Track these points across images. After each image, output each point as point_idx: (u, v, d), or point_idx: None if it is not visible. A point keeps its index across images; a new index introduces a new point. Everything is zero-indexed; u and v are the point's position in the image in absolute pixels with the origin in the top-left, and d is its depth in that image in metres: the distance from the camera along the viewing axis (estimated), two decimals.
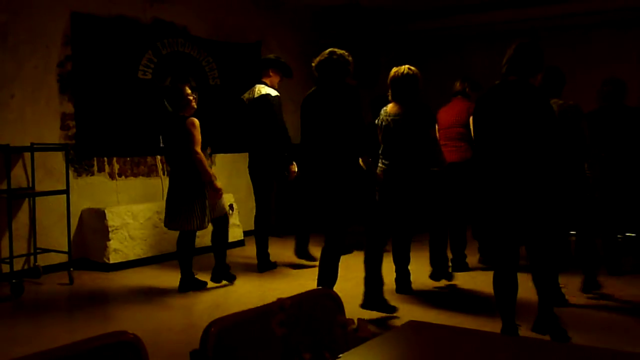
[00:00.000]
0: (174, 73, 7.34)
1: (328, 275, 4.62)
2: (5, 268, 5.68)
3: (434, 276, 5.57)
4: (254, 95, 6.23)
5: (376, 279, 4.71)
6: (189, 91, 5.40)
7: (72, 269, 5.87)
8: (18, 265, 5.92)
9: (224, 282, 5.68)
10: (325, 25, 8.98)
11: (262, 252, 6.31)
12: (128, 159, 7.00)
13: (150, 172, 7.22)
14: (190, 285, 5.54)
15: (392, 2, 8.71)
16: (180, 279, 5.55)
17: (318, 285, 4.62)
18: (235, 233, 7.24)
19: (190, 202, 5.31)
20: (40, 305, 5.28)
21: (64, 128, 6.43)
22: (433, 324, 2.16)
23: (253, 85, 6.35)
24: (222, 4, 8.02)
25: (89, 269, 6.34)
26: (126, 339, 1.55)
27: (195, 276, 5.61)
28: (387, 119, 5.13)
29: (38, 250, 6.08)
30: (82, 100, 6.54)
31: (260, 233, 6.33)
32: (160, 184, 7.18)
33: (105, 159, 6.80)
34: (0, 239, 5.84)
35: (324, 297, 1.96)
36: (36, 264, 6.06)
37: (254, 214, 6.41)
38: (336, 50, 4.67)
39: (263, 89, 6.19)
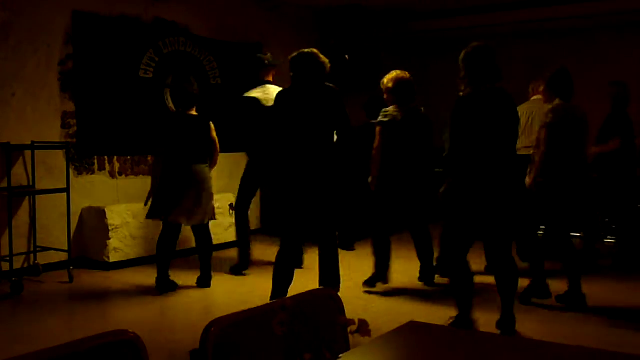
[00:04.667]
0: (175, 72, 7.37)
1: (283, 281, 4.54)
2: (5, 266, 5.68)
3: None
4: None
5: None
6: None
7: (72, 268, 5.87)
8: (18, 263, 5.92)
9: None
10: (327, 25, 8.98)
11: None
12: (129, 157, 7.00)
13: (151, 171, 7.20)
14: (167, 285, 5.51)
15: (394, 3, 8.71)
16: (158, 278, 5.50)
17: (273, 291, 4.54)
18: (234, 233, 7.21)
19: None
20: (40, 304, 5.27)
21: (64, 126, 6.43)
22: (433, 324, 2.16)
23: (257, 84, 6.21)
24: (223, 3, 8.02)
25: (89, 268, 6.35)
26: (126, 338, 1.55)
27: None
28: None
29: (38, 249, 6.08)
30: (83, 98, 6.54)
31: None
32: None
33: (106, 157, 6.80)
34: (1, 237, 5.84)
35: (324, 297, 1.95)
36: (36, 262, 6.06)
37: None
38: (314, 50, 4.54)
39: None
